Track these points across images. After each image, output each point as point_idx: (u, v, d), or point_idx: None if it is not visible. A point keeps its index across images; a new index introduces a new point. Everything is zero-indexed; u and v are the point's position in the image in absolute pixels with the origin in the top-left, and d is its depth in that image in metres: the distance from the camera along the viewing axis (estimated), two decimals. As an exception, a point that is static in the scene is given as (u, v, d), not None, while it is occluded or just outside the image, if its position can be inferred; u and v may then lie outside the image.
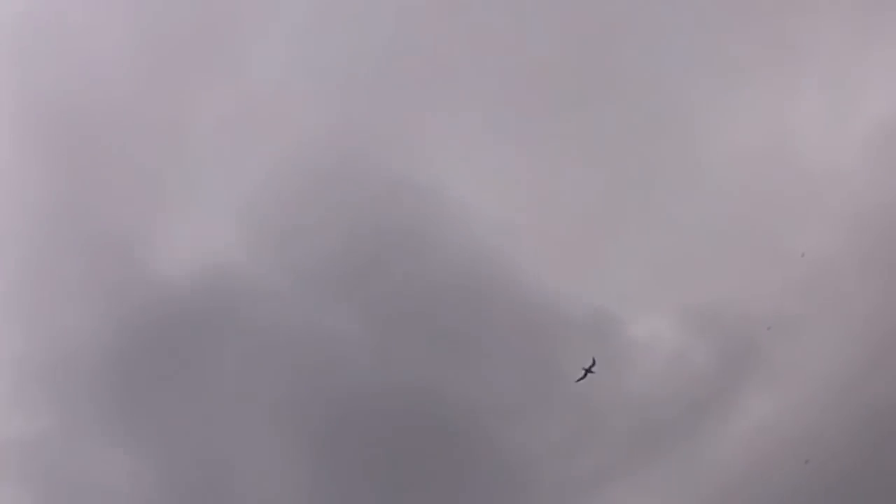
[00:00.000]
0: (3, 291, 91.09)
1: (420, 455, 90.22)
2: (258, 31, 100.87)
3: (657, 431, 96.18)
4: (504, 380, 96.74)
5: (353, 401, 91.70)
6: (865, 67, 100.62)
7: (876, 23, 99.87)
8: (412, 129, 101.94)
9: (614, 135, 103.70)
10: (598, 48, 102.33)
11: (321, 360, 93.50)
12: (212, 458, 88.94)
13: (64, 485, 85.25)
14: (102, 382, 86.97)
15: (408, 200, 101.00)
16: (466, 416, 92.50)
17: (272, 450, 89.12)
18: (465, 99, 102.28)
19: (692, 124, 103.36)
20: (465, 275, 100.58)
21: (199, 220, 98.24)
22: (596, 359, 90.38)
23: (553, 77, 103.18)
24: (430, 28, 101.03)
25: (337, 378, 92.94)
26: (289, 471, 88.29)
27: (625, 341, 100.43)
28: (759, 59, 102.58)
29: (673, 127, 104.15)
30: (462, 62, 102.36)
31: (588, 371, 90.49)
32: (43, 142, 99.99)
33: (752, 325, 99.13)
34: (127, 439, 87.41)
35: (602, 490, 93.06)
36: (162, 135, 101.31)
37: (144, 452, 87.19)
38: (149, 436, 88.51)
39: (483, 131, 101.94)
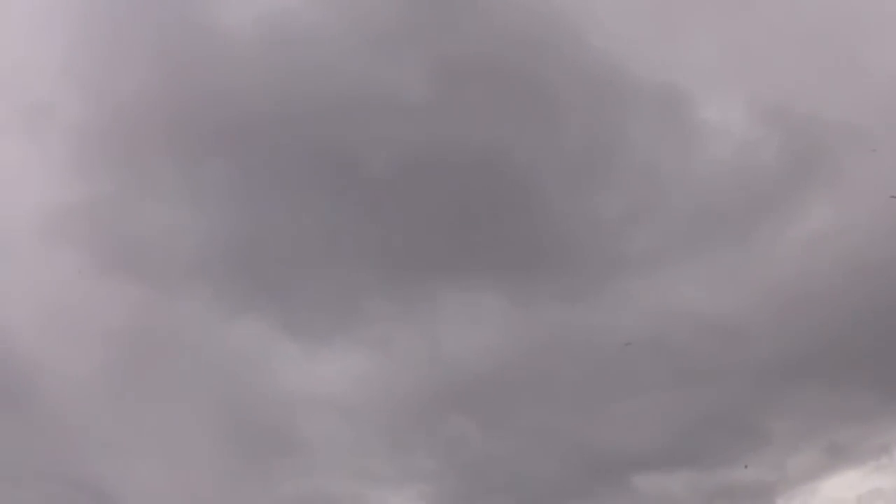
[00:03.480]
0: (61, 57, 79.85)
1: (479, 213, 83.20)
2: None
3: (716, 221, 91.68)
4: (569, 143, 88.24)
5: (418, 154, 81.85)
6: None
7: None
8: None
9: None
10: None
11: (382, 112, 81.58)
12: (266, 214, 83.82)
13: (124, 245, 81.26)
14: (160, 143, 76.85)
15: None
16: (529, 176, 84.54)
17: (331, 205, 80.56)
18: None
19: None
20: (534, 26, 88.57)
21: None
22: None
23: None
24: None
25: (399, 131, 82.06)
26: (352, 227, 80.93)
27: (694, 122, 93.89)
28: None
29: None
30: None
31: None
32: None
33: (824, 130, 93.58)
34: (185, 198, 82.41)
35: (652, 273, 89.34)
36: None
37: (202, 210, 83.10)
38: (207, 191, 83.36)
39: None
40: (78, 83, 79.91)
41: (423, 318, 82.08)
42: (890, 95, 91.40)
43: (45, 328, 77.59)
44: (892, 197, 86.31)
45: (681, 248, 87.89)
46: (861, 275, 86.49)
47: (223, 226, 79.62)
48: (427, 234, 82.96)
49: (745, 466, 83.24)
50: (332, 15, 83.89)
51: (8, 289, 77.81)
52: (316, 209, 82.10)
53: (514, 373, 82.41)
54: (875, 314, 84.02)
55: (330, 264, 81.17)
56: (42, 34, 79.52)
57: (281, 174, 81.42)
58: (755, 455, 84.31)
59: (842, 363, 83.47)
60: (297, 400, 78.50)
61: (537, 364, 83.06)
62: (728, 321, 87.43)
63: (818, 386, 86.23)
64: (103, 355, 77.55)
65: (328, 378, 79.07)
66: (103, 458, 77.73)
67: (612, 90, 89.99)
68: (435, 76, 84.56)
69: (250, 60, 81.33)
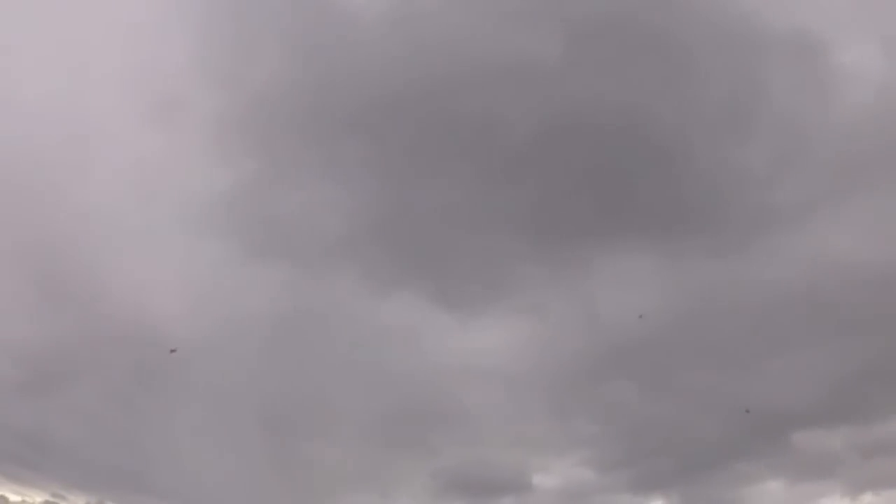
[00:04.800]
0: (191, 51, 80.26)
1: (623, 173, 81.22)
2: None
3: (861, 168, 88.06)
4: (708, 97, 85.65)
5: (557, 118, 79.88)
6: None
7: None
8: None
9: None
10: None
11: (518, 78, 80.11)
12: (410, 188, 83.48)
13: (270, 229, 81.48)
14: (298, 127, 77.46)
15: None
16: (670, 133, 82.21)
17: (474, 174, 79.43)
18: None
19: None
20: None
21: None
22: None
23: None
24: None
25: (537, 96, 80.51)
26: (499, 195, 79.68)
27: (830, 67, 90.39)
28: None
29: None
30: None
31: None
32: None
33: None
34: (327, 178, 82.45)
35: (800, 224, 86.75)
36: None
37: (346, 188, 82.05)
38: (349, 170, 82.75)
39: None
40: (210, 75, 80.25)
41: (577, 283, 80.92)
42: None
43: (198, 315, 78.42)
44: None
45: (827, 197, 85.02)
46: None
47: (368, 203, 79.54)
48: (574, 198, 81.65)
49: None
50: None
51: (160, 279, 78.72)
52: (460, 180, 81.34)
53: (670, 333, 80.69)
54: None
55: (479, 234, 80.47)
56: (171, 30, 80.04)
57: (421, 148, 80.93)
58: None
59: None
60: (454, 371, 78.09)
61: (692, 323, 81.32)
62: (881, 270, 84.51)
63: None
64: (258, 338, 78.15)
65: (485, 348, 78.44)
66: (268, 439, 78.67)
67: (747, 40, 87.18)
68: (569, 39, 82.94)
69: (380, 38, 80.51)
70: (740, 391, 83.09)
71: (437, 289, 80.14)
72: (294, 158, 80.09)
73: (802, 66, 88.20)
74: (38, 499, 74.19)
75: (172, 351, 66.09)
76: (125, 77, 78.85)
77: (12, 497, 72.41)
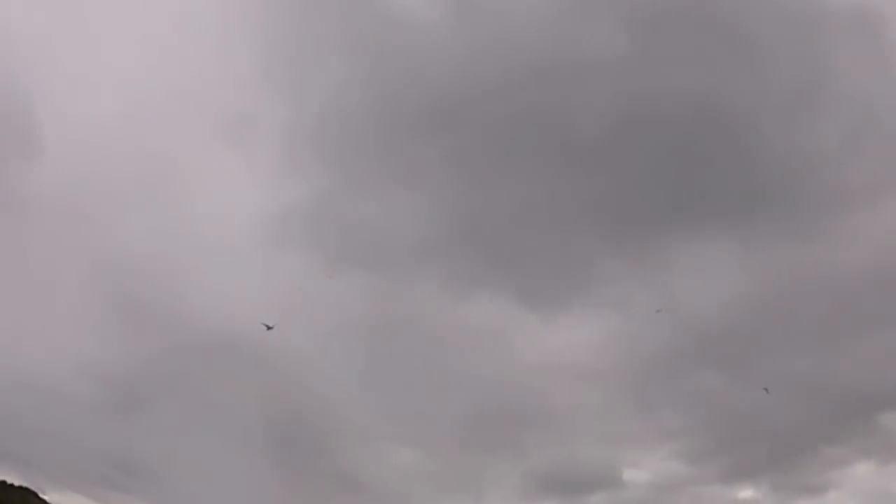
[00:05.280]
0: (256, 66, 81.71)
1: (695, 161, 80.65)
2: None
3: None
4: (775, 79, 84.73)
5: (625, 110, 79.76)
6: None
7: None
8: None
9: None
10: None
11: (584, 72, 79.97)
12: (486, 189, 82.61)
13: (349, 238, 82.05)
14: (369, 134, 77.79)
15: None
16: (739, 118, 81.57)
17: (548, 171, 79.24)
18: None
19: None
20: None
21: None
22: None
23: None
24: None
25: (605, 88, 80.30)
26: (573, 191, 79.44)
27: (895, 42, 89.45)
28: None
29: None
30: None
31: None
32: None
33: None
34: (403, 184, 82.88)
35: (875, 203, 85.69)
36: None
37: (422, 193, 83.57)
38: (424, 174, 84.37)
39: None
40: (277, 90, 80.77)
41: (656, 274, 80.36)
42: None
43: (283, 327, 78.34)
44: None
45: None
46: None
47: (446, 205, 79.60)
48: (648, 189, 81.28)
49: None
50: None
51: (242, 293, 78.71)
52: (535, 177, 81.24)
53: (751, 319, 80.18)
54: None
55: (557, 230, 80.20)
56: (236, 47, 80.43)
57: (493, 147, 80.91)
58: None
59: None
60: (540, 370, 77.69)
61: (772, 307, 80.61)
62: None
63: None
64: (343, 348, 77.98)
65: (569, 345, 78.12)
66: (357, 447, 78.50)
67: (809, 19, 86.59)
68: (632, 30, 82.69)
69: (443, 41, 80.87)
70: (825, 374, 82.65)
71: (518, 288, 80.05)
72: (368, 166, 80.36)
73: (867, 42, 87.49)
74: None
75: (269, 328, 65.66)
76: (193, 95, 79.44)
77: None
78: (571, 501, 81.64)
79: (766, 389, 73.86)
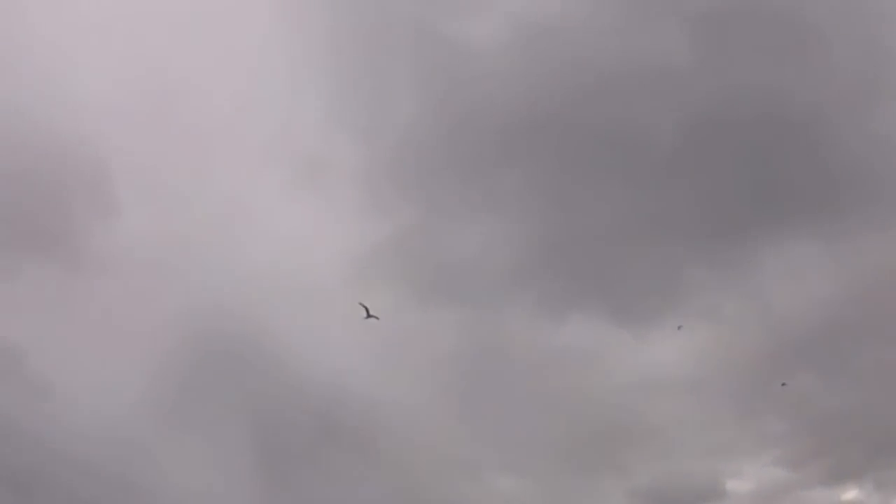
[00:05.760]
0: (332, 104, 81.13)
1: (772, 162, 79.63)
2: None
3: None
4: (842, 68, 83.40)
5: (695, 116, 78.95)
6: None
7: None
8: None
9: None
10: None
11: (653, 82, 79.14)
12: (568, 209, 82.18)
13: (436, 270, 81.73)
14: (445, 165, 77.86)
15: None
16: (811, 114, 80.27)
17: (627, 185, 79.10)
18: None
19: None
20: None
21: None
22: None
23: None
24: None
25: (675, 97, 79.44)
26: (655, 202, 79.34)
27: None
28: None
29: None
30: None
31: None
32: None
33: None
34: (485, 211, 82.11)
35: None
36: None
37: (506, 219, 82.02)
38: (505, 200, 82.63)
39: None
40: (349, 128, 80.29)
41: (746, 279, 79.66)
42: None
43: (377, 367, 78.83)
44: None
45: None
46: None
47: (529, 230, 79.08)
48: (728, 193, 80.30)
49: None
50: (575, 6, 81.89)
51: (333, 336, 79.09)
52: (616, 192, 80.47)
53: (846, 316, 79.16)
54: None
55: (643, 244, 79.56)
56: (303, 90, 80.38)
57: (572, 167, 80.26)
58: None
59: None
60: (636, 386, 77.46)
61: (867, 300, 79.61)
62: None
63: None
64: (438, 381, 78.01)
65: (664, 359, 77.64)
66: (460, 479, 78.78)
67: (869, 6, 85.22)
68: (692, 34, 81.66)
69: (511, 65, 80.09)
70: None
71: (609, 306, 79.62)
72: (450, 197, 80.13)
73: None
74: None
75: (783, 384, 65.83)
76: (266, 142, 79.56)
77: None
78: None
79: (783, 384, 74.13)
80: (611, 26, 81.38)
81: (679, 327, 74.34)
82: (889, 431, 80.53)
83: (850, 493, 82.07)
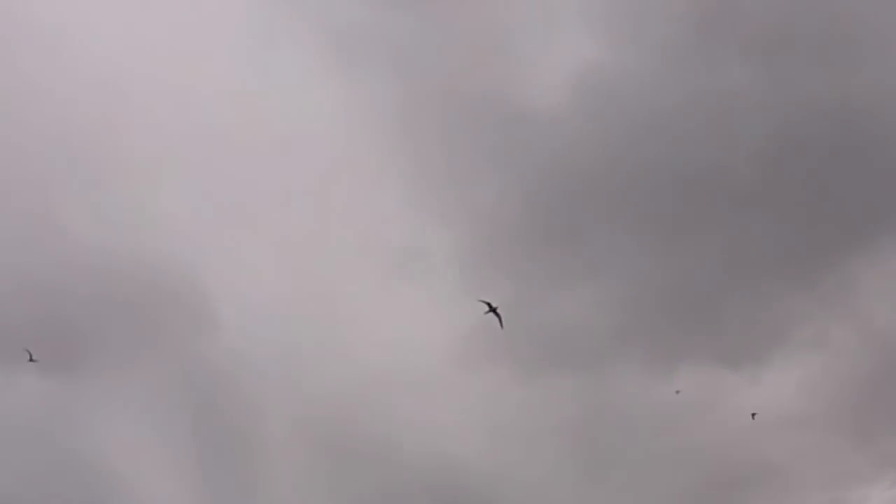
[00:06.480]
0: (415, 194, 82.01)
1: (854, 174, 79.99)
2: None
3: None
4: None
5: (766, 141, 79.65)
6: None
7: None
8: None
9: None
10: None
11: (726, 111, 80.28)
12: (662, 260, 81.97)
13: (540, 341, 79.62)
14: (537, 237, 78.79)
15: None
16: (883, 119, 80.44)
17: (713, 219, 79.72)
18: None
19: None
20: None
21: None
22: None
23: None
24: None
25: (743, 125, 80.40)
26: (743, 237, 79.89)
27: None
28: None
29: None
30: None
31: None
32: None
33: None
34: (580, 277, 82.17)
35: None
36: None
37: (599, 282, 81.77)
38: (594, 271, 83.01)
39: None
40: (436, 214, 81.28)
41: (848, 301, 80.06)
42: None
43: (492, 444, 79.12)
44: None
45: None
46: None
47: (627, 288, 79.55)
48: (817, 216, 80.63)
49: None
50: (629, 54, 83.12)
51: (444, 420, 79.51)
52: (707, 236, 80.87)
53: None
54: None
55: (743, 284, 79.92)
56: (388, 182, 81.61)
57: (659, 218, 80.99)
58: None
59: None
60: (753, 428, 77.50)
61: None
62: None
63: None
64: (555, 450, 78.26)
65: (777, 395, 77.91)
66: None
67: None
68: (754, 61, 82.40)
69: (578, 126, 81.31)
70: None
71: (717, 351, 79.99)
72: (546, 268, 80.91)
73: None
74: None
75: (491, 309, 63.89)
76: (356, 239, 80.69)
77: None
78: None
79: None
80: (666, 68, 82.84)
81: (677, 392, 74.31)
82: None
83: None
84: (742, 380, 79.10)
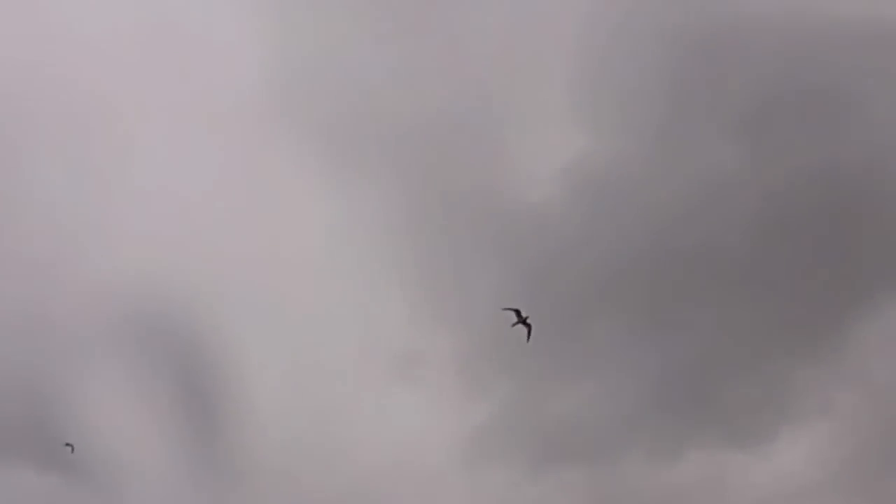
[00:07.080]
0: (419, 300, 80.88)
1: (850, 234, 78.75)
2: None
3: None
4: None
5: (765, 212, 79.13)
6: None
7: None
8: None
9: None
10: None
11: (716, 192, 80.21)
12: (673, 340, 79.90)
13: (547, 437, 79.21)
14: (539, 338, 77.58)
15: None
16: (868, 177, 79.19)
17: (714, 296, 79.45)
18: None
19: None
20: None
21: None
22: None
23: None
24: None
25: (723, 199, 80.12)
26: (745, 307, 79.26)
27: None
28: None
29: None
30: None
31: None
32: None
33: None
34: (584, 370, 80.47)
35: None
36: None
37: (604, 374, 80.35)
38: (596, 363, 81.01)
39: None
40: (435, 317, 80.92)
41: (850, 367, 78.96)
42: None
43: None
44: None
45: None
46: None
47: (630, 375, 78.56)
48: (819, 283, 79.07)
49: None
50: (618, 143, 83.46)
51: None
52: (704, 319, 79.65)
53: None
54: None
55: (742, 361, 78.27)
56: (390, 288, 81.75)
57: (657, 305, 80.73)
58: None
59: None
60: (767, 502, 77.38)
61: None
62: None
63: None
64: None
65: (787, 469, 77.10)
66: None
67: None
68: (735, 135, 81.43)
69: (571, 217, 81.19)
70: None
71: (724, 431, 79.30)
72: (548, 364, 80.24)
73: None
74: None
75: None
76: (356, 342, 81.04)
77: None
78: None
79: None
80: (652, 154, 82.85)
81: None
82: None
83: None
84: (751, 457, 78.63)
